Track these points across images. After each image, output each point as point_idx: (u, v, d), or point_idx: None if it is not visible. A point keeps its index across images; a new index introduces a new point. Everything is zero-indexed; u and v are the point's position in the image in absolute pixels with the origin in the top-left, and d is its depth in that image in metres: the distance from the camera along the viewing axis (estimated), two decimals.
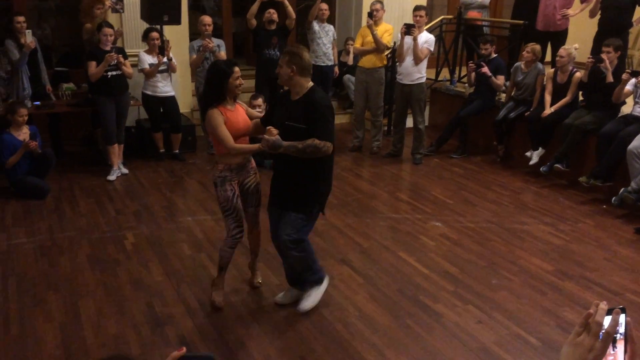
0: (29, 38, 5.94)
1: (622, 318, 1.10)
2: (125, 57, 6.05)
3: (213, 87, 3.46)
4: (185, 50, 7.05)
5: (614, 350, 1.10)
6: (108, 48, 5.82)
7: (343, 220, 5.14)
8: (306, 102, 3.33)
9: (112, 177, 6.01)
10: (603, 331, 1.09)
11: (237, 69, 3.47)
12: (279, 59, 7.37)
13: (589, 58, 5.95)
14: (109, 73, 5.86)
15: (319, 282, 3.70)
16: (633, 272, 4.35)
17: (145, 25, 6.51)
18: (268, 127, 3.30)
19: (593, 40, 6.66)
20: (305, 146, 3.23)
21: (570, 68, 6.22)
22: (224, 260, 3.70)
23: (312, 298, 3.65)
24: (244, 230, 3.66)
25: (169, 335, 3.41)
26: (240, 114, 3.57)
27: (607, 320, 1.09)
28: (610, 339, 1.08)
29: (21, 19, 6.04)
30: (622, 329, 1.11)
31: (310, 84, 3.40)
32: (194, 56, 6.68)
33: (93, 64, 5.79)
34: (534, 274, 4.27)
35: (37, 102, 6.22)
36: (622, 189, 5.37)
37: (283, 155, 3.29)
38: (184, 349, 1.14)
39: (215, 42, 6.62)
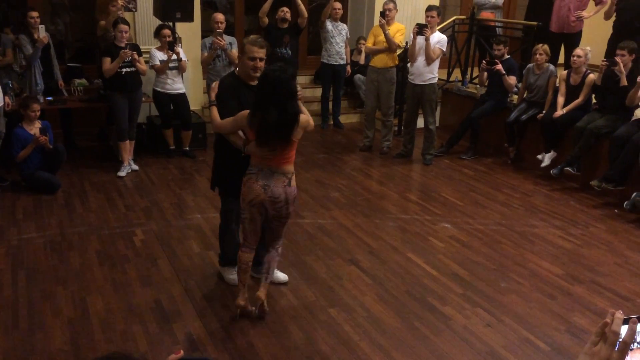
0: (42, 33, 5.97)
1: (639, 327, 1.09)
2: (140, 54, 6.07)
3: None
4: (197, 47, 7.06)
5: None
6: (123, 45, 5.84)
7: (352, 220, 5.13)
8: None
9: (122, 173, 6.03)
10: (620, 341, 1.07)
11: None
12: (290, 58, 7.41)
13: (603, 61, 5.89)
14: (123, 69, 5.88)
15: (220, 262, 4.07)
16: None
17: (158, 22, 6.53)
18: None
19: (607, 42, 6.60)
20: None
21: (584, 70, 6.16)
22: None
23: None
24: None
25: (177, 333, 3.42)
26: None
27: (623, 330, 1.08)
28: (627, 349, 1.07)
29: (35, 14, 6.07)
30: (639, 339, 1.10)
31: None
32: (205, 54, 6.69)
33: (107, 60, 5.82)
34: (544, 277, 4.24)
35: (50, 97, 6.27)
36: (634, 194, 5.33)
37: None
38: (181, 352, 1.14)
39: (227, 39, 6.63)
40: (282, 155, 3.34)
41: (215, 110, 3.47)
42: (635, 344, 1.10)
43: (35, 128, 5.47)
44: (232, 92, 3.48)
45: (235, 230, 3.89)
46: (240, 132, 3.40)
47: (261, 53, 3.45)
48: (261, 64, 3.46)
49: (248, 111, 3.28)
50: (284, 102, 3.20)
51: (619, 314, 1.10)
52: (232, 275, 3.94)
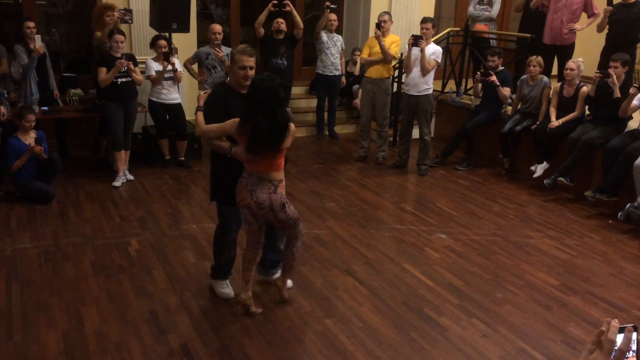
0: (38, 43, 5.97)
1: (634, 336, 1.10)
2: (136, 64, 6.07)
3: None
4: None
5: None
6: (119, 55, 5.85)
7: (348, 230, 5.13)
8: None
9: (117, 183, 6.02)
10: (616, 349, 1.09)
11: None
12: (286, 68, 7.44)
13: (596, 73, 5.94)
14: (119, 79, 5.89)
15: (212, 274, 4.03)
16: (639, 289, 4.32)
17: (154, 33, 6.55)
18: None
19: (600, 54, 6.66)
20: None
21: (577, 82, 6.22)
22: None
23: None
24: None
25: (172, 344, 3.40)
26: None
27: (619, 338, 1.09)
28: (622, 357, 1.08)
29: (31, 24, 6.07)
30: (634, 347, 1.11)
31: None
32: (192, 61, 6.79)
33: (103, 70, 5.82)
34: (539, 288, 4.25)
35: (45, 107, 6.25)
36: (628, 204, 5.36)
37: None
38: None
39: (225, 50, 6.65)
40: (270, 162, 3.42)
41: (201, 116, 3.54)
42: (631, 352, 1.11)
43: (30, 138, 5.46)
44: (219, 101, 3.53)
45: (233, 242, 3.89)
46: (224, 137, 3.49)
47: (251, 62, 3.49)
48: (252, 73, 3.51)
49: (238, 119, 3.35)
50: (273, 110, 3.30)
51: (615, 323, 1.11)
52: (224, 289, 3.95)
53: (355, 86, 8.38)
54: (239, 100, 3.47)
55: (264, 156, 3.36)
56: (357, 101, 8.05)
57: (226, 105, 3.50)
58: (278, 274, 4.08)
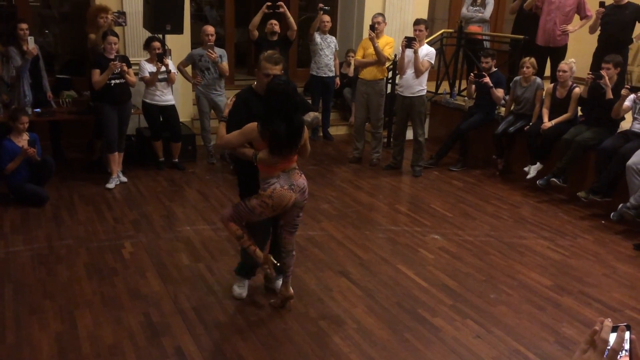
0: (31, 45, 5.96)
1: (627, 335, 1.11)
2: (129, 65, 6.06)
3: None
4: None
5: None
6: (112, 56, 5.84)
7: (342, 231, 5.14)
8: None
9: (111, 185, 6.00)
10: (609, 348, 1.09)
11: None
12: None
13: (588, 74, 5.97)
14: (112, 81, 5.87)
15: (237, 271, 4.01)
16: (632, 289, 4.35)
17: (147, 34, 6.54)
18: None
19: (593, 55, 6.70)
20: None
21: (570, 83, 6.24)
22: None
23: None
24: None
25: (166, 346, 3.39)
26: None
27: (612, 338, 1.10)
28: (615, 356, 1.09)
29: (24, 26, 6.05)
30: (627, 346, 1.12)
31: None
32: (185, 63, 6.76)
33: (97, 71, 5.80)
34: (533, 288, 4.27)
35: (38, 109, 6.23)
36: (621, 205, 5.38)
37: None
38: None
39: (218, 52, 6.65)
40: (292, 157, 3.57)
41: (223, 127, 3.53)
42: (624, 351, 1.12)
43: (23, 140, 5.44)
44: (242, 103, 3.56)
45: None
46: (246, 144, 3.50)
47: (275, 70, 3.50)
48: None
49: (255, 124, 3.36)
50: (290, 114, 3.37)
51: (608, 322, 1.12)
52: (239, 288, 3.93)
53: (347, 89, 8.38)
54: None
55: (286, 156, 3.47)
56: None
57: (249, 107, 3.52)
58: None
